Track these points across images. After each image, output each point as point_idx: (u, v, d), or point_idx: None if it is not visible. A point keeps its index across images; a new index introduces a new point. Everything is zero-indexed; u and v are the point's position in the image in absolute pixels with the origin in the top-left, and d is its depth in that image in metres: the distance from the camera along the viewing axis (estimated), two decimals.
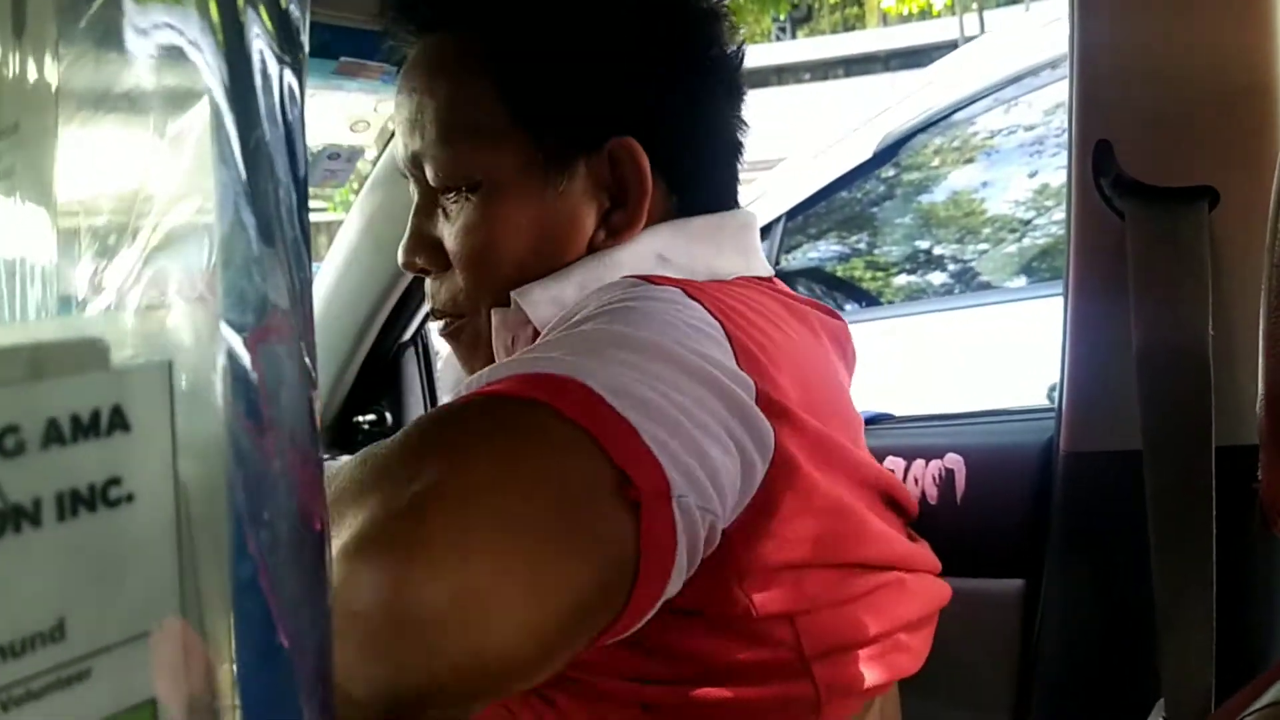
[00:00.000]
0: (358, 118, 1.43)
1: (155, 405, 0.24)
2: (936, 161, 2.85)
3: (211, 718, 0.26)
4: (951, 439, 1.14)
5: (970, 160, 2.85)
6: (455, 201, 0.78)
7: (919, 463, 1.14)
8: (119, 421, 0.24)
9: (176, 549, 0.25)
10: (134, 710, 0.25)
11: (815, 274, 2.82)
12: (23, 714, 0.23)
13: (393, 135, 1.42)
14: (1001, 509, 1.09)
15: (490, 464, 0.50)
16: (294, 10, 0.32)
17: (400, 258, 0.83)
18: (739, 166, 0.86)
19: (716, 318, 0.65)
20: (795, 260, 2.90)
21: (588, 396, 0.52)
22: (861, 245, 2.97)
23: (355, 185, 1.62)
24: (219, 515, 0.26)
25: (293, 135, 0.31)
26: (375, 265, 1.51)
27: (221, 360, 0.26)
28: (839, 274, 2.93)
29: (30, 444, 0.22)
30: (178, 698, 0.25)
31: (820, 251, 2.97)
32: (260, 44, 0.29)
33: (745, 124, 0.86)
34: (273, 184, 0.29)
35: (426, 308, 0.95)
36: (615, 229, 0.77)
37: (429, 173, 0.79)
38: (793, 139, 2.64)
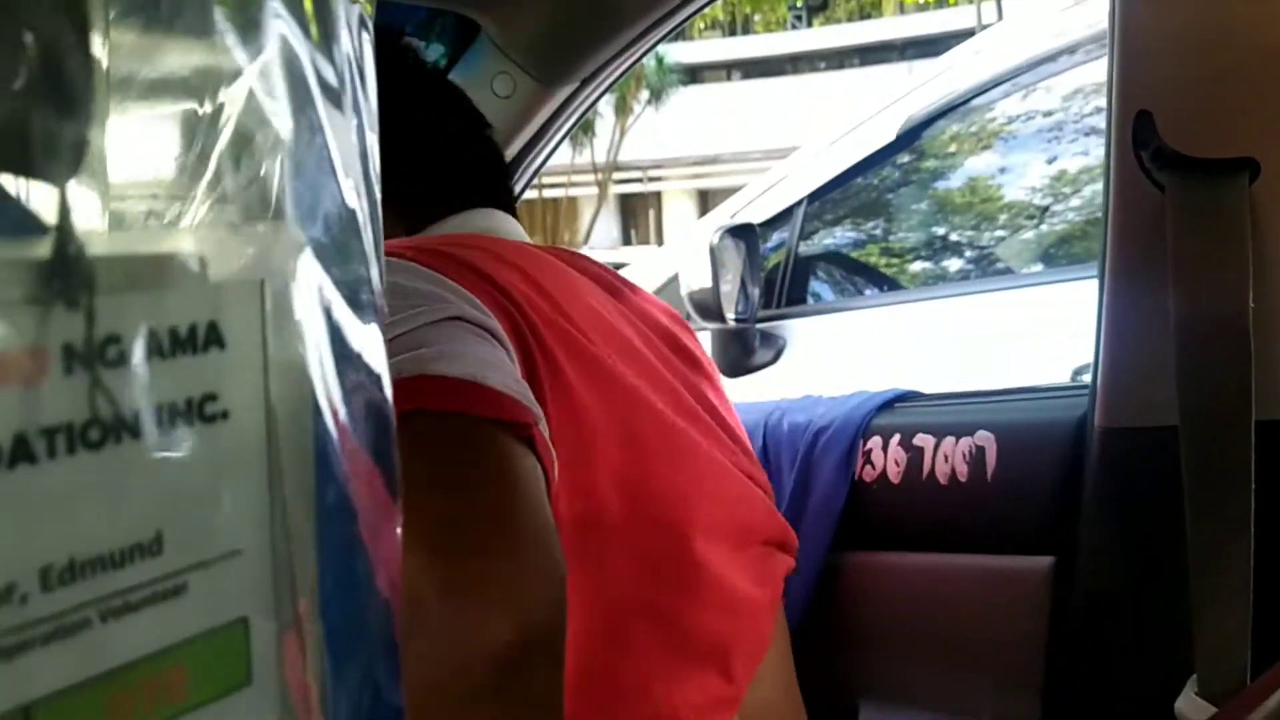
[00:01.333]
0: None
1: (248, 323, 0.24)
2: (953, 148, 2.83)
3: (298, 639, 0.26)
4: (982, 416, 1.14)
5: (988, 146, 2.84)
6: None
7: (949, 440, 1.13)
8: (214, 337, 0.24)
9: (267, 468, 0.25)
10: (227, 628, 0.25)
11: (834, 258, 2.81)
12: (121, 626, 0.23)
13: None
14: (1032, 486, 1.08)
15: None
16: None
17: None
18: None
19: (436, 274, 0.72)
20: (813, 246, 2.89)
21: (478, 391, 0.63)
22: (877, 232, 2.96)
23: None
24: (305, 436, 0.26)
25: (363, 61, 0.31)
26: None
27: (306, 281, 0.26)
28: (862, 258, 2.92)
29: (132, 355, 0.22)
30: (268, 618, 0.25)
31: (836, 238, 2.96)
32: None
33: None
34: (346, 112, 0.29)
35: None
36: None
37: None
38: (808, 128, 2.64)
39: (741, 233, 2.33)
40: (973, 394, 1.21)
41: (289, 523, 0.26)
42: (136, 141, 0.23)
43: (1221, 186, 0.82)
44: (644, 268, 2.77)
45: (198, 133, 0.24)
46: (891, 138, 2.38)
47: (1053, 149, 2.73)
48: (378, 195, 0.30)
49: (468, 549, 0.58)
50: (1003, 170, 2.84)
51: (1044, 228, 2.83)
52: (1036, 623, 1.09)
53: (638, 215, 22.93)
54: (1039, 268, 2.75)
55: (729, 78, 22.79)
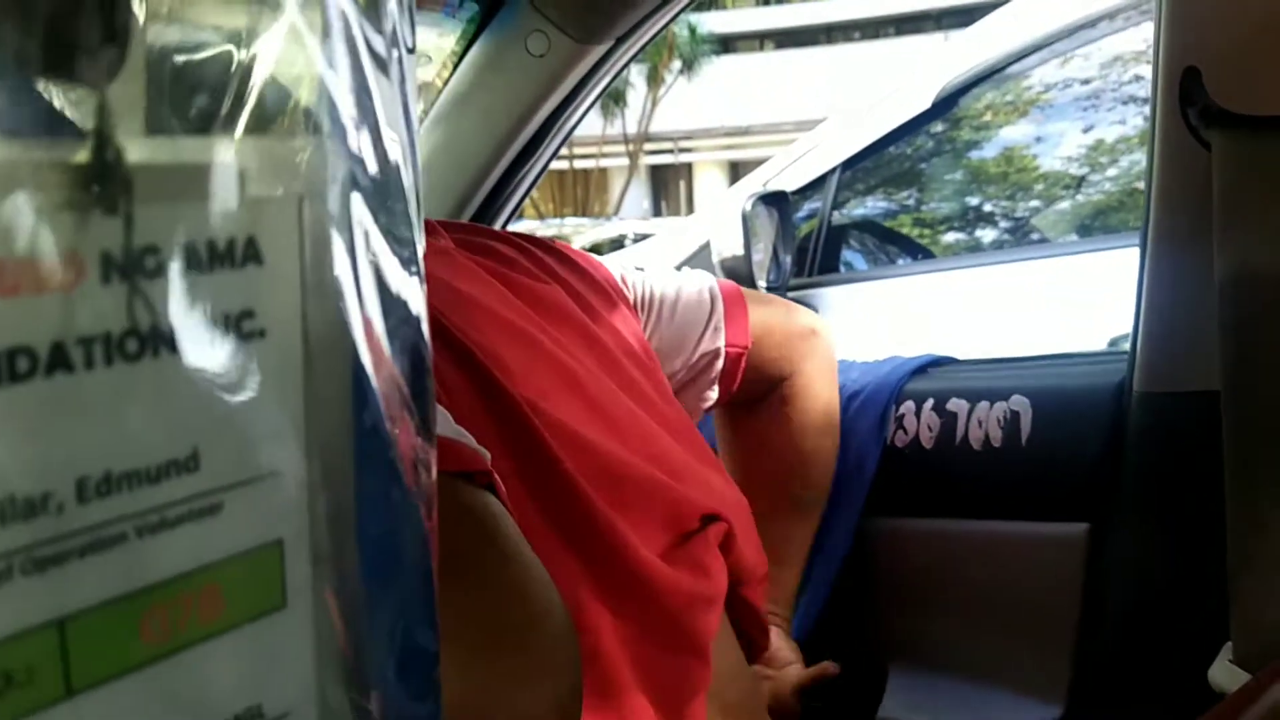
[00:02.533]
0: (419, 51, 1.42)
1: (287, 240, 0.24)
2: (988, 116, 2.80)
3: (335, 566, 0.26)
4: (1017, 381, 1.12)
5: (1024, 115, 2.80)
6: None
7: (983, 405, 1.12)
8: (252, 253, 0.23)
9: (304, 390, 0.25)
10: (263, 549, 0.24)
11: (867, 227, 2.78)
12: (157, 542, 0.22)
13: (455, 69, 1.42)
14: (1068, 452, 1.07)
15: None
16: None
17: None
18: None
19: None
20: (847, 214, 2.87)
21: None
22: (910, 201, 2.93)
23: None
24: (343, 361, 0.26)
25: (404, 30, 0.30)
26: (434, 205, 1.51)
27: (349, 209, 0.25)
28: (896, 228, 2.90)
29: (170, 266, 0.22)
30: (303, 541, 0.25)
31: (868, 208, 2.93)
32: None
33: None
34: (390, 69, 0.28)
35: None
36: None
37: None
38: (841, 100, 2.61)
39: (774, 200, 2.31)
40: (1008, 359, 1.20)
41: (326, 447, 0.26)
42: (178, 50, 0.22)
43: (1270, 143, 0.81)
44: (674, 236, 2.76)
45: (241, 48, 0.23)
46: (927, 105, 2.35)
47: (1090, 118, 2.69)
48: (418, 163, 0.30)
49: (482, 645, 0.56)
50: (1039, 139, 2.80)
51: (1080, 198, 2.80)
52: (1070, 589, 1.08)
53: (669, 186, 22.85)
54: (1074, 238, 2.72)
55: (762, 48, 22.61)
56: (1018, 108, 2.77)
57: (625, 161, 19.95)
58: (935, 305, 2.33)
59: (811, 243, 2.50)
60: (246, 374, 0.24)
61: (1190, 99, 0.85)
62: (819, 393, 1.10)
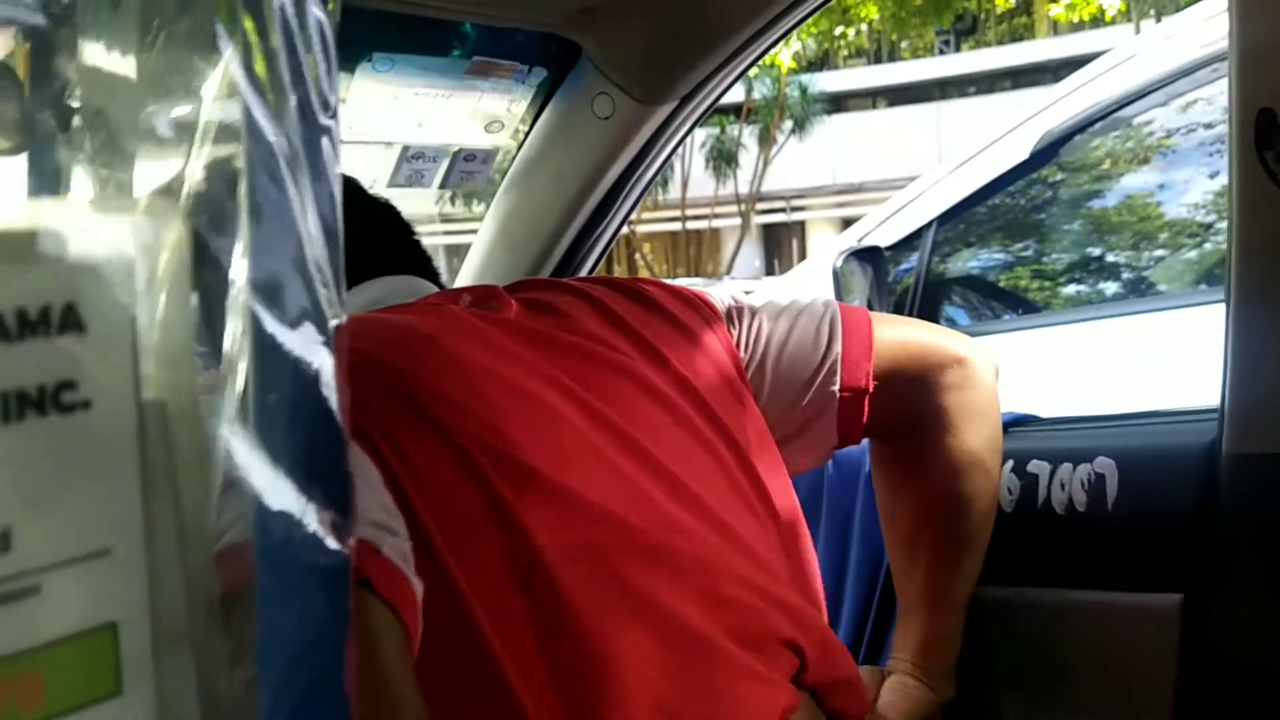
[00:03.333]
0: (492, 118, 1.44)
1: (113, 309, 0.23)
2: (1107, 164, 2.71)
3: (186, 649, 0.25)
4: (1101, 441, 1.06)
5: (1145, 161, 2.70)
6: None
7: (1065, 467, 1.06)
8: (72, 320, 0.22)
9: (140, 463, 0.24)
10: (90, 633, 0.23)
11: (969, 282, 2.71)
12: None
13: (528, 134, 1.43)
14: (1158, 516, 1.00)
15: None
16: None
17: None
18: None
19: None
20: (953, 268, 2.80)
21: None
22: (1028, 253, 2.85)
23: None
24: (196, 431, 0.24)
25: (294, 52, 0.29)
26: (511, 266, 1.51)
27: (191, 265, 0.24)
28: (1002, 283, 2.81)
29: None
30: (142, 625, 0.24)
31: (981, 260, 2.86)
32: None
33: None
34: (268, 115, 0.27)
35: None
36: None
37: None
38: (957, 154, 2.55)
39: (867, 255, 2.28)
40: (1091, 418, 1.14)
41: (178, 523, 0.24)
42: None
43: None
44: (769, 294, 2.74)
45: (59, 99, 0.22)
46: (1025, 156, 2.29)
47: (1216, 164, 2.58)
48: (334, 234, 0.28)
49: None
50: (1162, 187, 2.70)
51: (1207, 246, 2.68)
52: (1164, 665, 1.00)
53: (781, 245, 22.80)
54: (1203, 288, 2.60)
55: (874, 105, 22.53)
56: (1139, 155, 2.68)
57: (738, 221, 20.00)
58: (1042, 361, 2.25)
59: (909, 298, 2.45)
60: (67, 448, 0.22)
61: (1267, 142, 0.80)
62: (968, 430, 0.98)
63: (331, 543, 0.29)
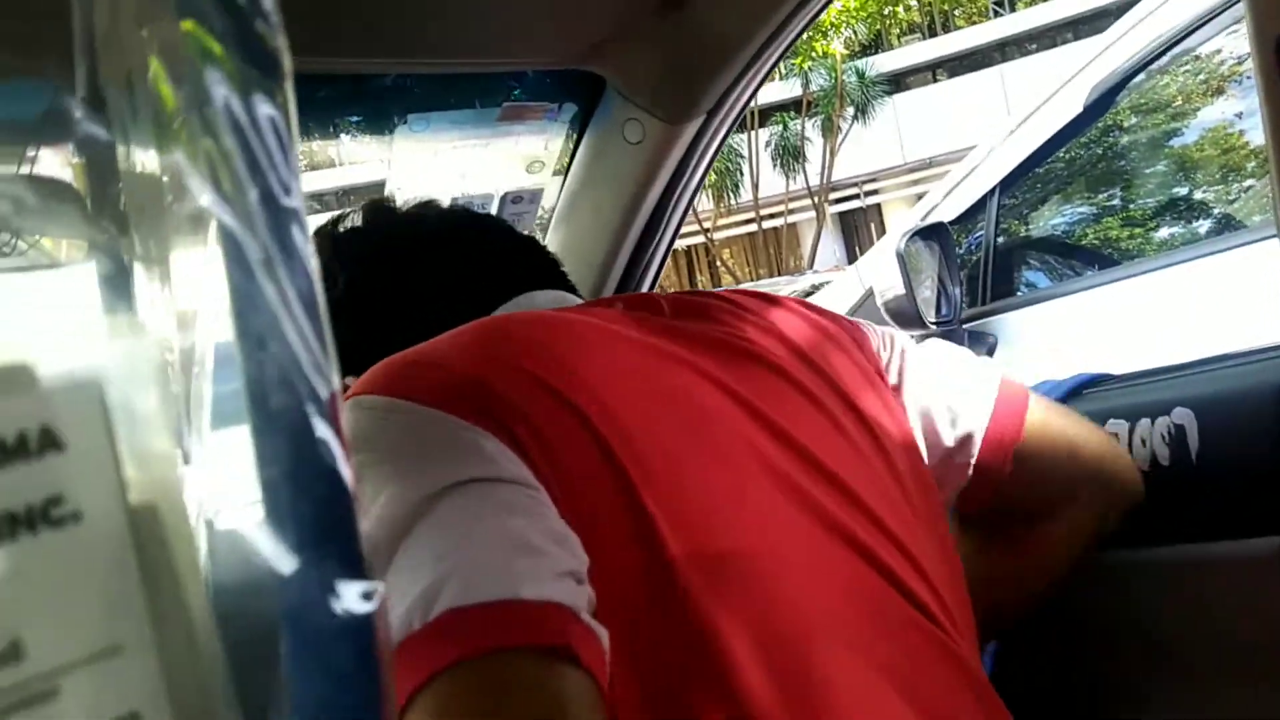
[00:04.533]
0: (532, 158, 1.47)
1: (89, 424, 0.25)
2: (1179, 100, 2.63)
3: None
4: (1178, 392, 1.04)
5: (1219, 91, 2.62)
6: None
7: (1144, 423, 1.04)
8: (50, 441, 0.24)
9: (138, 561, 0.26)
10: None
11: (1041, 244, 2.65)
12: None
13: (568, 169, 1.45)
14: (1244, 460, 0.98)
15: None
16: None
17: None
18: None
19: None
20: (1034, 230, 2.75)
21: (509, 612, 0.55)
22: (1114, 202, 2.77)
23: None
24: (185, 529, 0.26)
25: (271, 159, 0.31)
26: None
27: (161, 375, 0.26)
28: (1090, 235, 2.74)
29: None
30: (163, 712, 0.26)
31: (1066, 216, 2.79)
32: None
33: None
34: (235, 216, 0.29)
35: None
36: None
37: None
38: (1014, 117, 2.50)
39: (932, 233, 2.25)
40: (1164, 369, 1.11)
41: (185, 613, 0.26)
42: None
43: None
44: (839, 284, 2.72)
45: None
46: (1079, 110, 2.24)
47: None
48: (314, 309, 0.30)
49: None
50: (1241, 115, 2.61)
51: None
52: (1272, 607, 0.98)
53: (859, 231, 22.57)
54: None
55: (935, 79, 22.20)
56: (1211, 85, 2.61)
57: (812, 214, 19.87)
58: (1130, 313, 2.19)
59: (981, 269, 2.41)
60: (67, 558, 0.24)
61: None
62: (1077, 547, 0.93)
63: (351, 603, 0.30)
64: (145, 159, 0.35)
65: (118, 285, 0.31)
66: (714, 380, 0.74)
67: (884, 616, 0.68)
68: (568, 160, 1.47)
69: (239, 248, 0.28)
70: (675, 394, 0.72)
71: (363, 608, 0.31)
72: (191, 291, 0.28)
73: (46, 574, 0.24)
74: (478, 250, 0.93)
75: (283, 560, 0.28)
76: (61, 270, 0.32)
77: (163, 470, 0.26)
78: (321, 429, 0.29)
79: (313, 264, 0.30)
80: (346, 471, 0.30)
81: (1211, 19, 2.20)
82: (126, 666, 0.25)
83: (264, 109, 0.31)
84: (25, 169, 0.43)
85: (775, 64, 1.22)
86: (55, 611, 0.24)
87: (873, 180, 21.20)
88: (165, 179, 0.31)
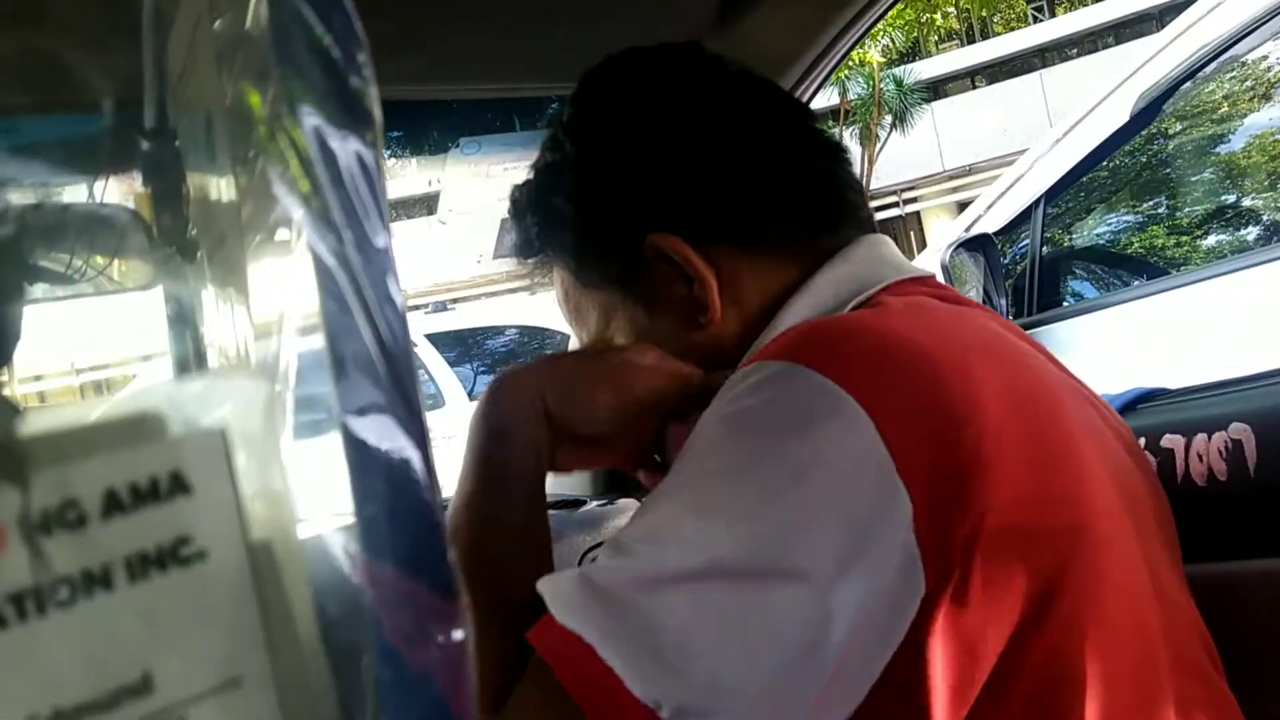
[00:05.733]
0: None
1: (214, 468, 0.26)
2: (1226, 107, 2.60)
3: None
4: (1234, 406, 1.03)
5: (1267, 98, 2.59)
6: None
7: (1200, 437, 1.04)
8: (179, 485, 0.26)
9: (258, 598, 0.27)
10: None
11: (1091, 253, 2.63)
12: None
13: None
14: None
15: None
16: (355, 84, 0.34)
17: None
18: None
19: (876, 420, 0.57)
20: (1080, 240, 2.73)
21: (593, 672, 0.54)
22: (1160, 210, 2.75)
23: None
24: (296, 563, 0.28)
25: (364, 203, 0.32)
26: None
27: (269, 413, 0.27)
28: (1136, 244, 2.72)
29: (90, 515, 0.24)
30: None
31: (1111, 225, 2.77)
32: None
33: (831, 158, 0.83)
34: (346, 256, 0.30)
35: None
36: (703, 307, 0.78)
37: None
38: (1061, 124, 2.48)
39: (977, 244, 2.24)
40: (1220, 384, 1.10)
41: (297, 646, 0.27)
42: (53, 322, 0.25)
43: None
44: None
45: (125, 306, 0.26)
46: (1125, 119, 2.23)
47: None
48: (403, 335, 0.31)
49: None
50: None
51: None
52: None
53: (898, 239, 22.43)
54: None
55: (974, 85, 22.06)
56: (1259, 91, 2.58)
57: None
58: (1182, 325, 2.17)
59: (1026, 280, 2.40)
60: (191, 595, 0.26)
61: None
62: None
63: (444, 628, 0.32)
64: (222, 190, 0.36)
65: (188, 313, 0.32)
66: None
67: None
68: None
69: (336, 289, 0.29)
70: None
71: (457, 634, 0.32)
72: (273, 323, 0.30)
73: (175, 611, 0.25)
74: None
75: (382, 595, 0.29)
76: (130, 294, 0.34)
77: (278, 507, 0.27)
78: (415, 465, 0.30)
79: (401, 303, 0.32)
80: (435, 501, 0.31)
81: (1259, 26, 2.18)
82: (247, 698, 0.26)
83: (358, 151, 0.32)
84: (93, 198, 0.44)
85: (822, 84, 1.23)
86: (182, 646, 0.25)
87: (912, 189, 21.08)
88: (245, 211, 0.33)
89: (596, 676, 0.53)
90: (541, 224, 0.84)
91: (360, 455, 0.29)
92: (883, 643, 0.56)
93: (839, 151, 0.84)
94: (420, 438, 0.31)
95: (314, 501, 0.29)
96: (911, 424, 0.57)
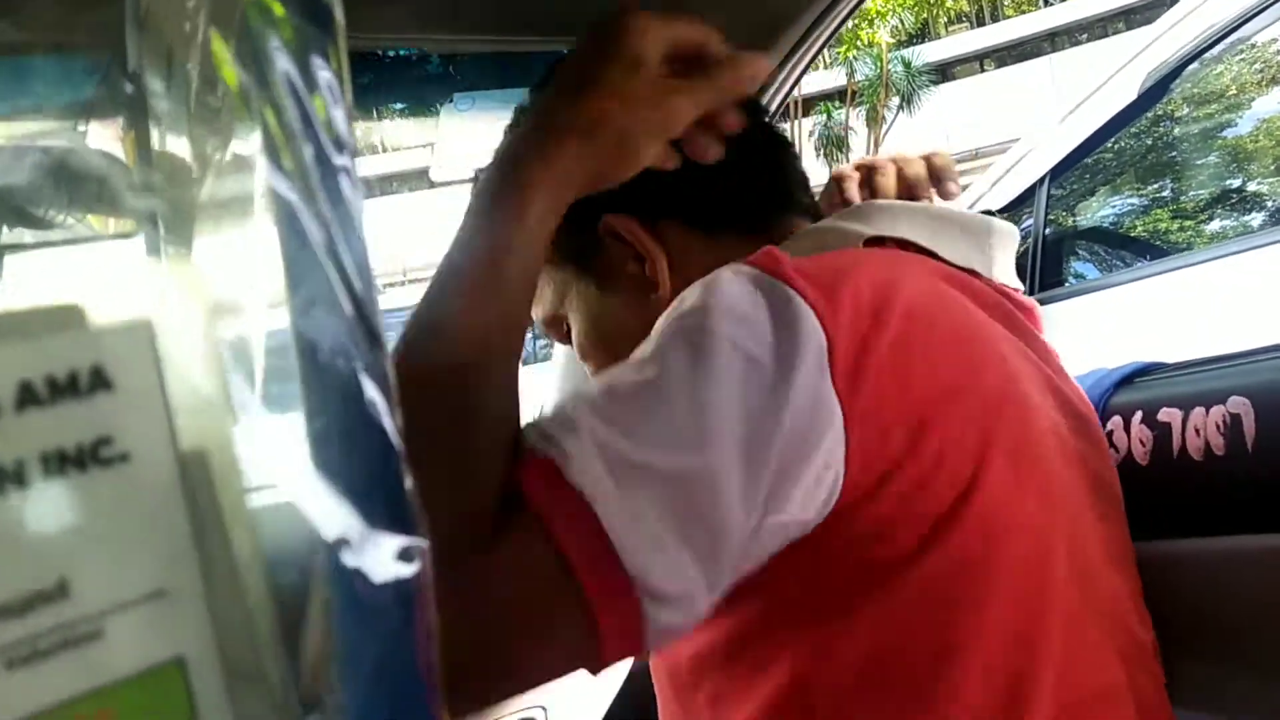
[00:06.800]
0: None
1: (139, 364, 0.25)
2: (1234, 90, 2.58)
3: (260, 682, 0.26)
4: (1233, 380, 1.01)
5: (1276, 81, 2.56)
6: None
7: (1198, 411, 1.02)
8: (100, 380, 0.24)
9: (187, 506, 0.25)
10: (158, 669, 0.25)
11: (1094, 234, 2.61)
12: (34, 673, 0.23)
13: None
14: None
15: None
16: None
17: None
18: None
19: (823, 322, 0.62)
20: (1083, 220, 2.71)
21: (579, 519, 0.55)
22: (1165, 194, 2.73)
23: None
24: (236, 472, 0.26)
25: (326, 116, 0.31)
26: None
27: (211, 329, 0.26)
28: (1140, 227, 2.70)
29: (3, 406, 0.23)
30: (211, 657, 0.25)
31: (1115, 207, 2.75)
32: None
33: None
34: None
35: None
36: (654, 284, 0.81)
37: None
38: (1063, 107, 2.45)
39: None
40: (1220, 357, 1.09)
41: (232, 562, 0.26)
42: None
43: None
44: None
45: (55, 172, 0.24)
46: (1133, 97, 2.20)
47: None
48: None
49: None
50: None
51: None
52: None
53: None
54: None
55: (983, 69, 21.96)
56: (1268, 75, 2.55)
57: None
58: (1183, 305, 2.15)
59: (1029, 259, 2.38)
60: (112, 499, 0.24)
61: None
62: None
63: (399, 562, 0.30)
64: (185, 127, 0.35)
65: (162, 249, 0.30)
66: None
67: None
68: None
69: (291, 210, 0.27)
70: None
71: (408, 568, 0.30)
72: (241, 254, 0.28)
73: (94, 514, 0.24)
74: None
75: (331, 516, 0.28)
76: (107, 241, 0.32)
77: (213, 420, 0.26)
78: (370, 389, 0.28)
79: (362, 223, 0.30)
80: (393, 429, 0.29)
81: (1267, 6, 2.16)
82: (173, 611, 0.25)
83: (321, 72, 0.30)
84: (77, 143, 0.43)
85: (821, 49, 1.20)
86: (102, 552, 0.24)
87: None
88: (210, 148, 0.31)
89: (595, 541, 0.54)
90: None
91: (311, 364, 0.27)
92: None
93: (786, 144, 0.89)
94: (378, 360, 0.29)
95: (257, 412, 0.27)
96: (840, 311, 0.62)
